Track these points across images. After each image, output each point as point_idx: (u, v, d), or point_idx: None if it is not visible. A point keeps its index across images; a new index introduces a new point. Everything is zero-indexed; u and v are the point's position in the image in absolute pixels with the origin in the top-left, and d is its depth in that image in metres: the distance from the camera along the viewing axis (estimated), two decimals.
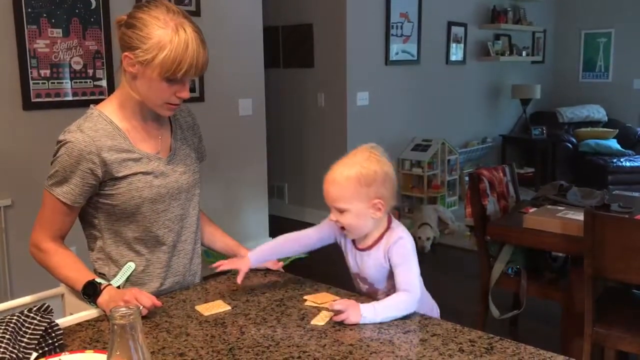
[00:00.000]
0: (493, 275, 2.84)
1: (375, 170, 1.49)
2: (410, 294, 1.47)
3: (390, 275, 1.55)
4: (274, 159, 5.24)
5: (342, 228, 1.55)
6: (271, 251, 1.69)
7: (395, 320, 1.42)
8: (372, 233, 1.56)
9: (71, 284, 1.52)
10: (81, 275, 1.49)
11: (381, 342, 1.32)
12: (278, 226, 5.13)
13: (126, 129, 1.54)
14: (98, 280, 1.48)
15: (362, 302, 1.45)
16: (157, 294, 1.56)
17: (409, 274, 1.51)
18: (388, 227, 1.57)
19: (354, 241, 1.60)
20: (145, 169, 1.54)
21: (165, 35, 1.41)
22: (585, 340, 2.32)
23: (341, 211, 1.51)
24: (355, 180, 1.48)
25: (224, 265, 1.62)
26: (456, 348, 1.29)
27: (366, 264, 1.57)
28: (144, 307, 1.41)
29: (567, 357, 1.23)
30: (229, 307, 1.50)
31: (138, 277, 1.58)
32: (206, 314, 1.47)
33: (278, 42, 5.54)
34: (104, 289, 1.46)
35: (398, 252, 1.52)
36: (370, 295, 1.61)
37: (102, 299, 1.44)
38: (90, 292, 1.46)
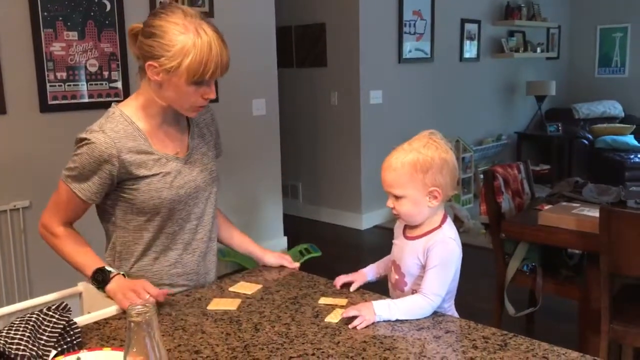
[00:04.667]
0: (508, 272, 2.82)
1: (433, 156, 1.47)
2: (430, 302, 1.44)
3: (422, 275, 1.51)
4: (287, 159, 5.25)
5: (397, 215, 1.54)
6: (380, 267, 1.71)
7: None
8: (423, 226, 1.54)
9: (81, 269, 1.56)
10: (92, 261, 1.54)
11: (394, 339, 1.32)
12: (292, 225, 5.14)
13: (146, 129, 1.55)
14: (108, 268, 1.52)
15: (375, 300, 1.45)
16: (172, 293, 1.58)
17: (438, 280, 1.46)
18: (439, 226, 1.53)
19: (405, 229, 1.59)
20: (164, 170, 1.55)
21: (187, 40, 1.41)
22: (602, 337, 2.31)
23: (397, 198, 1.50)
24: (411, 166, 1.46)
25: (341, 279, 1.64)
26: (470, 345, 1.29)
27: (405, 252, 1.55)
28: (151, 296, 1.45)
29: (581, 354, 1.23)
30: (234, 308, 1.51)
31: (147, 277, 1.59)
32: (212, 308, 1.51)
33: (291, 41, 5.55)
34: (113, 277, 1.50)
35: (436, 254, 1.48)
36: (396, 288, 1.59)
37: (111, 286, 1.49)
38: (100, 279, 1.51)
